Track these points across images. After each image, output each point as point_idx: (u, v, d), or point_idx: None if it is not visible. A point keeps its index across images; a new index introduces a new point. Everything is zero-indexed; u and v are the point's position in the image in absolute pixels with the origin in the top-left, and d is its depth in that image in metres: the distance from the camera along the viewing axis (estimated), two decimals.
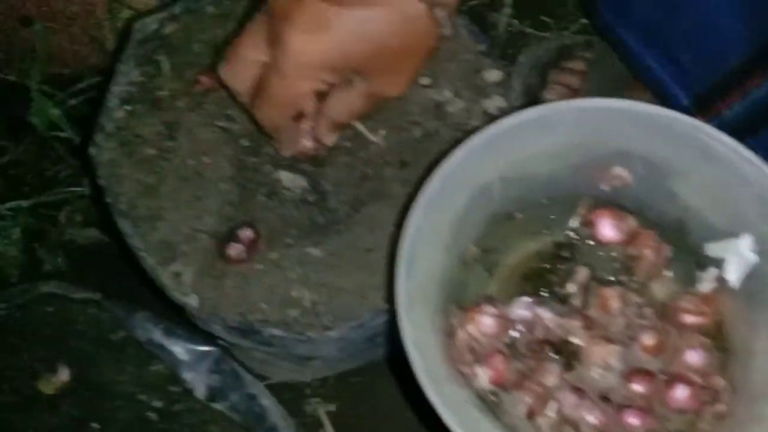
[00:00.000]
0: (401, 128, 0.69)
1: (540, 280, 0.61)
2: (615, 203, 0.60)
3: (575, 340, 0.56)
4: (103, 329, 0.70)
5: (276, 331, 0.62)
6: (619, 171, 0.58)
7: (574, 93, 0.92)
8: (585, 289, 0.59)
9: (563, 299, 0.60)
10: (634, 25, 0.81)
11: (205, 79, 0.69)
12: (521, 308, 0.58)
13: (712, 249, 0.58)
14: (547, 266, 0.62)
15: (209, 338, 0.71)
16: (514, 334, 0.57)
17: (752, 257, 0.55)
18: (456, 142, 0.66)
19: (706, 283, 0.58)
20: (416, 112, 0.69)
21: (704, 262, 0.59)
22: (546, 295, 0.60)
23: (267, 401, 0.62)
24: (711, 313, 0.58)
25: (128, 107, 0.68)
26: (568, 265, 0.61)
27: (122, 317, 0.65)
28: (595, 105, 0.55)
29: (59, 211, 0.95)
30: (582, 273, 0.60)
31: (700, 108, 0.77)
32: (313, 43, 0.56)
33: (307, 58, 0.56)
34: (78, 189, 0.95)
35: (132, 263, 0.65)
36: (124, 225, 0.64)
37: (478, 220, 0.59)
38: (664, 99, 0.82)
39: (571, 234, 0.62)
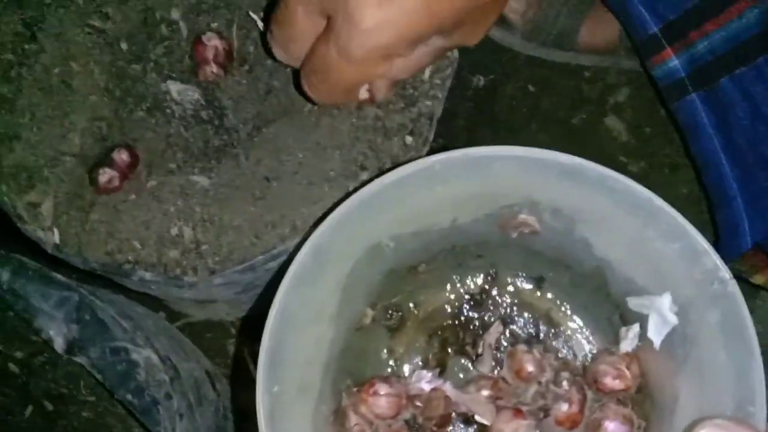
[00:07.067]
0: None
1: (449, 337, 0.56)
2: (526, 248, 0.54)
3: (480, 419, 0.52)
4: None
5: (147, 275, 0.54)
6: (527, 218, 0.52)
7: (538, 6, 0.87)
8: (498, 350, 0.55)
9: (474, 359, 0.55)
10: None
11: None
12: (420, 382, 0.53)
13: (634, 304, 0.52)
14: (457, 322, 0.57)
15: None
16: (414, 410, 0.53)
17: (673, 319, 0.49)
18: None
19: (628, 340, 0.53)
20: None
21: (628, 316, 0.53)
22: (455, 355, 0.56)
23: (140, 356, 0.53)
24: (634, 376, 0.52)
25: None
26: (482, 319, 0.56)
27: None
28: (485, 153, 0.47)
29: None
30: (495, 330, 0.55)
31: (670, 37, 0.70)
32: (391, 16, 0.43)
33: (383, 39, 0.44)
34: None
35: None
36: None
37: (371, 280, 0.53)
38: (630, 25, 0.75)
39: (484, 283, 0.57)
